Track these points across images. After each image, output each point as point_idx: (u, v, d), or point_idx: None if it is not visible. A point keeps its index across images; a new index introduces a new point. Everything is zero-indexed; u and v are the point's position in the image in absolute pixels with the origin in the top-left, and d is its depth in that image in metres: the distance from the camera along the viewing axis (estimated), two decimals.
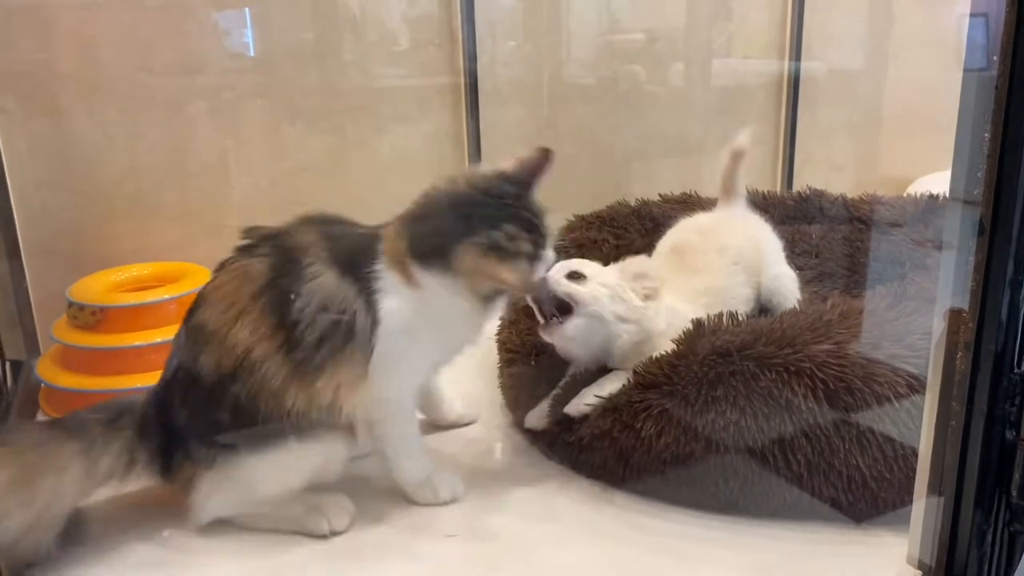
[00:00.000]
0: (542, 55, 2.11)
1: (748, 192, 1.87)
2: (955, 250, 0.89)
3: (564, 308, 1.22)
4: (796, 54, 2.37)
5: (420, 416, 1.32)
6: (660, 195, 1.88)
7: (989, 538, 0.93)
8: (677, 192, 1.91)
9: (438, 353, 1.20)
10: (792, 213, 1.78)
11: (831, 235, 1.66)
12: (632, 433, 1.15)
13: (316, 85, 1.86)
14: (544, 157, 1.14)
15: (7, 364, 1.56)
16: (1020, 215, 0.83)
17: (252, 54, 1.78)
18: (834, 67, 2.46)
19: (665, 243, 1.51)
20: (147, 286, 1.56)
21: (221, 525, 1.13)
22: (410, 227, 1.12)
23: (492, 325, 1.47)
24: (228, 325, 1.07)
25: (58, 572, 1.05)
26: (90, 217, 1.70)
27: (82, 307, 1.45)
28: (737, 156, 1.54)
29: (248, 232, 1.15)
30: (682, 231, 1.52)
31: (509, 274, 1.08)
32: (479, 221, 1.08)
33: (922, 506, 0.97)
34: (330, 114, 1.89)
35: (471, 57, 1.97)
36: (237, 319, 1.07)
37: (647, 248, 1.56)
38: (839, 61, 2.47)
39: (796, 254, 1.61)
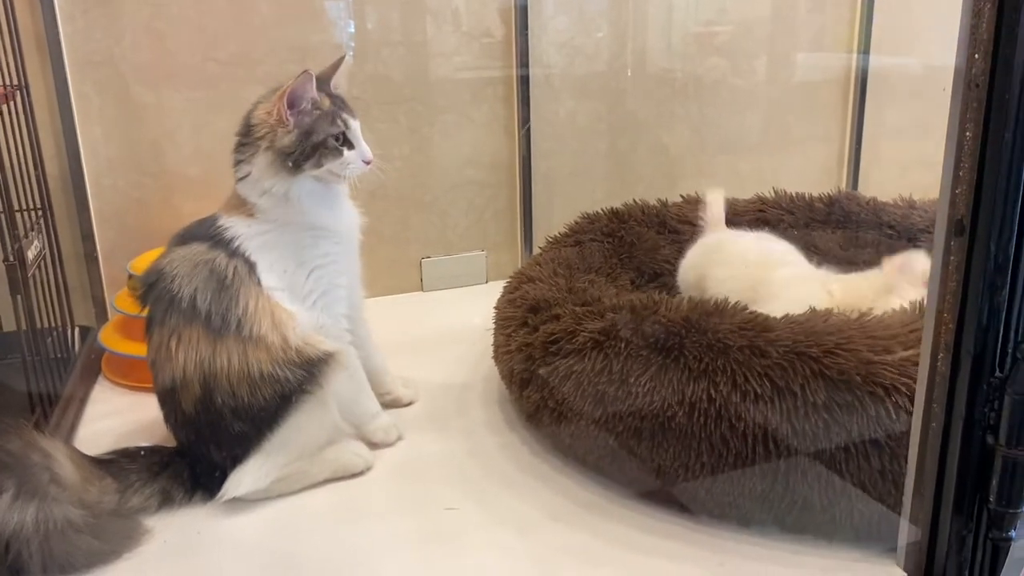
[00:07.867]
0: (597, 49, 2.12)
1: (776, 193, 1.86)
2: (941, 251, 0.88)
3: None
4: (865, 47, 2.31)
5: None
6: (682, 196, 1.86)
7: (970, 544, 0.91)
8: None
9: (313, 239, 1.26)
10: (821, 217, 1.74)
11: (853, 241, 1.60)
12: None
13: (370, 76, 1.93)
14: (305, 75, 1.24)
15: (76, 330, 1.69)
16: (1000, 216, 0.82)
17: (310, 46, 1.87)
18: (907, 63, 2.38)
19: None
20: None
21: None
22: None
23: None
24: (171, 362, 1.17)
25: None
26: (157, 196, 1.83)
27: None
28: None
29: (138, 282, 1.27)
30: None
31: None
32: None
33: (907, 511, 0.96)
34: (384, 104, 1.96)
35: (523, 50, 2.01)
36: (170, 353, 1.17)
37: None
38: (914, 56, 2.39)
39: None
